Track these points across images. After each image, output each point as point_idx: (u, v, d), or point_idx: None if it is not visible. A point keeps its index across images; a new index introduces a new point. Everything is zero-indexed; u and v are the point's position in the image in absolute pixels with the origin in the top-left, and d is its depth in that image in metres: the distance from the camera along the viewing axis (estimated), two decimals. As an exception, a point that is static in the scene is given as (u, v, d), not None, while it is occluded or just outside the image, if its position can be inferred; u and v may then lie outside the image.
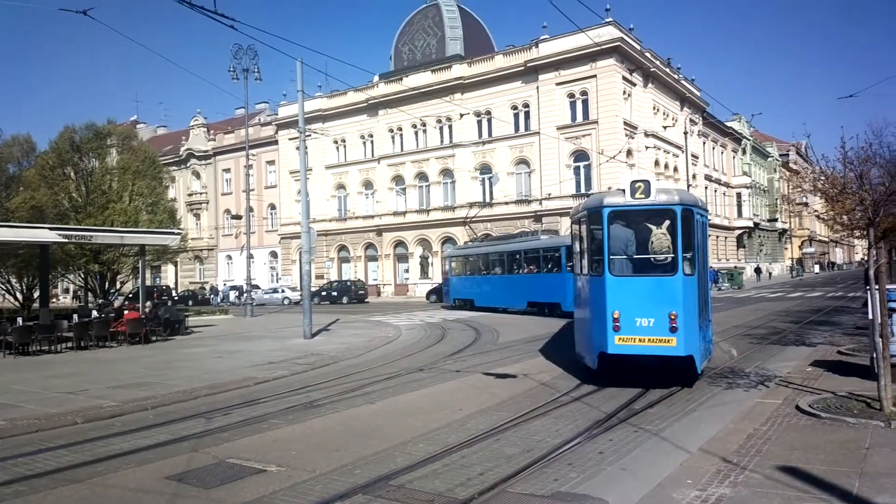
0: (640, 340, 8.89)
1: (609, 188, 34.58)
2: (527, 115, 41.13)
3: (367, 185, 48.83)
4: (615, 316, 8.89)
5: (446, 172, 44.50)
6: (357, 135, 49.06)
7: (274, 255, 54.87)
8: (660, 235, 8.98)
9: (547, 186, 39.42)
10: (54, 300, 43.57)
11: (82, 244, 24.08)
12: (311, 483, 5.59)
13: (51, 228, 19.22)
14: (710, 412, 7.90)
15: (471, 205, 41.57)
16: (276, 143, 53.83)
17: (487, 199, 42.70)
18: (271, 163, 54.93)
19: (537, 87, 40.31)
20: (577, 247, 11.12)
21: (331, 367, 12.90)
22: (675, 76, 47.16)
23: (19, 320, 17.85)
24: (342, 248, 49.66)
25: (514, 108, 41.68)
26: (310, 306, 18.59)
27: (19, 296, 29.92)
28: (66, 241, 20.05)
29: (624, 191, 9.24)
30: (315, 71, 33.10)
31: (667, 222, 8.97)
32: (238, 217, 46.63)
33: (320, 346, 16.26)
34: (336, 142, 49.93)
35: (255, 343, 17.76)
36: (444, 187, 44.79)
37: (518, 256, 26.36)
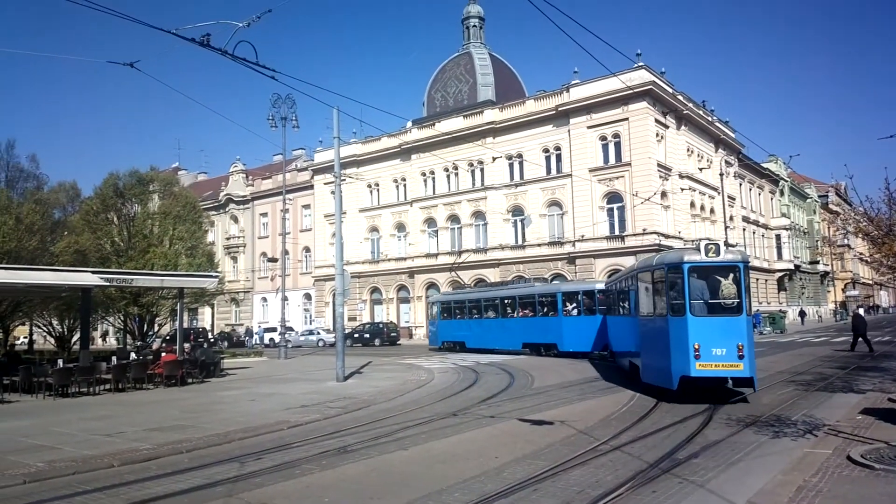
0: (715, 366, 11.63)
1: (663, 243, 34.24)
2: (558, 157, 41.31)
3: (400, 227, 49.31)
4: (696, 346, 11.56)
5: (478, 215, 44.71)
6: (390, 178, 49.83)
7: (308, 296, 55.39)
8: (728, 285, 11.81)
9: (580, 228, 39.24)
10: (93, 342, 44.46)
11: (123, 287, 24.66)
12: (344, 532, 5.48)
13: (93, 272, 19.75)
14: (757, 462, 7.57)
15: (459, 252, 43.03)
16: (311, 187, 54.97)
17: (519, 241, 42.64)
18: (307, 206, 56.00)
19: (569, 131, 40.56)
20: (643, 293, 13.96)
21: (363, 411, 12.80)
22: (709, 118, 46.99)
23: (60, 362, 18.24)
24: (375, 289, 49.92)
25: (546, 150, 41.93)
26: (343, 349, 18.60)
27: (58, 337, 30.65)
28: (108, 284, 20.55)
29: (698, 248, 12.21)
30: (350, 118, 34.19)
31: (732, 275, 11.85)
32: (274, 260, 47.38)
33: (353, 389, 16.19)
34: (370, 185, 50.75)
35: (289, 386, 17.77)
36: (475, 229, 44.94)
37: (515, 301, 27.93)
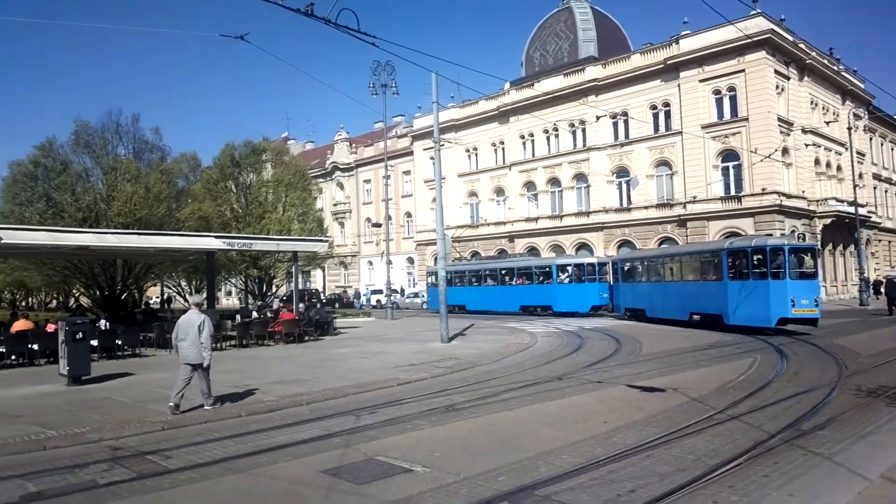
0: (802, 311, 18.39)
1: (763, 189, 32.42)
2: (667, 114, 39.25)
3: (499, 191, 49.07)
4: (792, 299, 18.24)
5: (580, 177, 43.57)
6: (488, 142, 49.50)
7: (411, 260, 56.73)
8: (809, 260, 19.50)
9: (691, 189, 37.30)
10: (218, 302, 47.92)
11: (243, 251, 26.34)
12: (456, 486, 5.64)
13: (216, 236, 21.24)
14: (891, 436, 7.01)
15: (458, 227, 45.34)
16: (411, 153, 55.73)
17: (624, 204, 41.23)
18: (407, 172, 56.94)
19: (678, 85, 38.34)
20: (746, 262, 19.65)
21: (468, 371, 13.03)
22: (835, 67, 42.78)
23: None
24: (475, 254, 50.25)
25: (654, 107, 39.94)
26: (446, 311, 18.96)
27: (188, 298, 33.30)
28: (230, 248, 22.04)
29: (794, 234, 22.06)
30: (448, 81, 34.19)
31: (811, 253, 19.88)
32: (378, 225, 48.77)
33: (457, 350, 16.52)
34: (468, 150, 50.70)
35: (396, 345, 18.41)
36: (577, 192, 43.87)
37: (514, 271, 33.80)
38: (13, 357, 15.21)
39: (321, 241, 25.50)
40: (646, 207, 39.93)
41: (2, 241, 15.21)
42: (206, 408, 9.39)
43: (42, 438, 7.71)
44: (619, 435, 7.33)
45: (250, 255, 29.54)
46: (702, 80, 37.40)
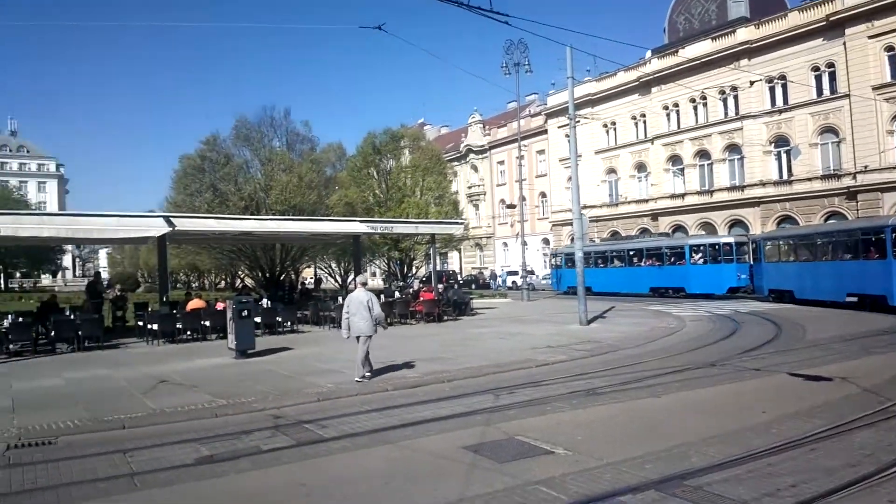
0: None
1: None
2: (831, 76, 35.16)
3: (640, 167, 46.89)
4: None
5: (732, 148, 40.40)
6: (628, 116, 47.37)
7: (546, 241, 56.09)
8: None
9: (862, 158, 33.25)
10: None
11: (385, 234, 27.51)
12: (600, 471, 5.51)
13: (361, 221, 22.36)
14: None
15: (595, 206, 43.32)
16: (545, 132, 54.80)
17: (784, 176, 37.71)
18: (541, 152, 56.12)
19: (844, 43, 34.14)
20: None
21: (609, 355, 12.67)
22: None
23: (339, 299, 21.07)
24: (614, 233, 48.54)
25: (815, 69, 35.94)
26: (584, 293, 18.54)
27: (338, 278, 35.51)
28: (373, 231, 23.11)
29: None
30: (583, 54, 32.98)
31: None
32: (512, 206, 48.70)
33: (597, 333, 16.11)
34: (606, 125, 48.88)
35: (534, 327, 18.33)
36: (729, 165, 40.74)
37: (643, 252, 32.94)
38: (188, 332, 17.06)
39: (456, 223, 25.95)
40: (809, 179, 36.19)
41: (175, 228, 17.08)
42: (366, 375, 10.16)
43: (213, 407, 8.57)
44: (779, 426, 6.76)
45: (391, 238, 30.78)
46: (871, 37, 32.99)
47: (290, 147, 31.42)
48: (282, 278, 30.43)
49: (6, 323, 15.28)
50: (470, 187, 64.41)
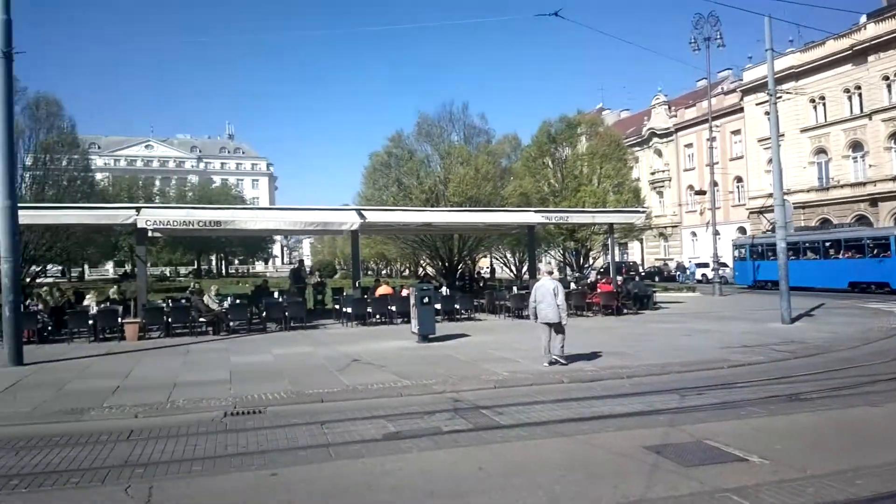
0: None
1: None
2: None
3: (855, 146, 41.06)
4: None
5: (979, 119, 33.87)
6: (839, 89, 41.64)
7: (742, 230, 51.45)
8: None
9: None
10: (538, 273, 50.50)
11: (560, 224, 27.17)
12: (801, 483, 4.94)
13: (535, 211, 22.30)
14: None
15: (801, 191, 37.92)
16: (741, 110, 50.13)
17: None
18: (736, 132, 51.47)
19: None
20: None
21: (816, 357, 11.31)
22: None
23: (514, 289, 21.23)
24: (824, 221, 43.14)
25: None
26: (787, 287, 16.71)
27: (513, 268, 35.84)
28: (547, 221, 22.93)
29: None
30: (784, 24, 29.39)
31: None
32: (702, 192, 45.42)
33: (802, 333, 14.47)
34: (813, 100, 43.45)
35: (726, 324, 16.95)
36: (975, 139, 34.22)
37: (841, 243, 29.98)
38: (377, 315, 18.29)
39: (637, 212, 24.76)
40: None
41: (366, 221, 18.38)
42: (560, 362, 10.35)
43: (398, 386, 9.09)
44: None
45: (567, 228, 30.28)
46: None
47: (468, 140, 32.19)
48: (460, 268, 31.42)
49: (226, 304, 17.58)
50: (653, 173, 61.14)
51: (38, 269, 27.72)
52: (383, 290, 19.43)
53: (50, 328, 16.09)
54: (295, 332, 16.65)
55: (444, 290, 20.55)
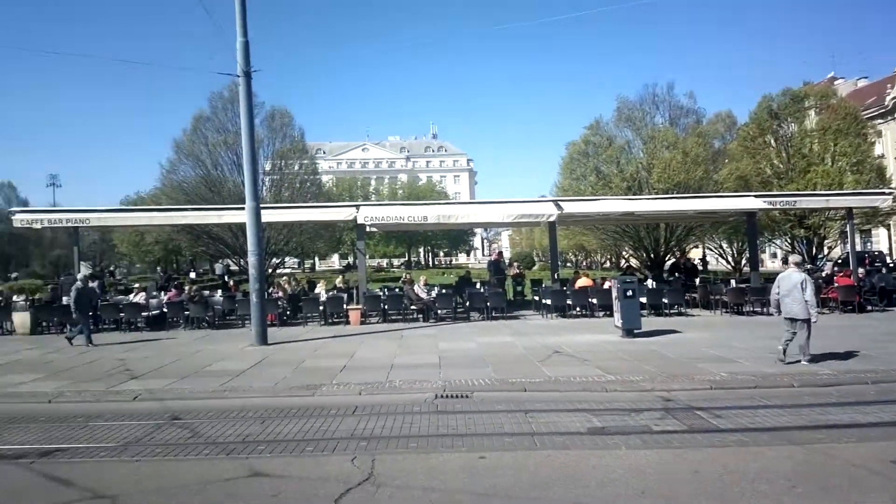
0: None
1: None
2: None
3: None
4: None
5: None
6: None
7: None
8: None
9: None
10: (762, 264, 45.97)
11: (786, 209, 24.40)
12: None
13: (756, 196, 20.22)
14: None
15: None
16: None
17: None
18: None
19: None
20: None
21: None
22: None
23: (732, 282, 19.51)
24: None
25: None
26: None
27: (731, 259, 33.00)
28: (771, 207, 20.69)
29: None
30: None
31: None
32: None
33: None
34: None
35: None
36: None
37: None
38: (577, 308, 18.02)
39: (882, 194, 21.20)
40: None
41: (563, 211, 18.19)
42: (802, 363, 9.65)
43: (603, 381, 8.86)
44: None
45: (794, 214, 27.09)
46: None
47: (674, 122, 30.19)
48: (670, 259, 29.66)
49: (433, 294, 18.61)
50: (902, 148, 52.11)
51: (278, 261, 31.91)
52: (583, 282, 19.09)
53: (289, 312, 18.49)
54: (496, 321, 17.08)
55: (649, 282, 19.60)
